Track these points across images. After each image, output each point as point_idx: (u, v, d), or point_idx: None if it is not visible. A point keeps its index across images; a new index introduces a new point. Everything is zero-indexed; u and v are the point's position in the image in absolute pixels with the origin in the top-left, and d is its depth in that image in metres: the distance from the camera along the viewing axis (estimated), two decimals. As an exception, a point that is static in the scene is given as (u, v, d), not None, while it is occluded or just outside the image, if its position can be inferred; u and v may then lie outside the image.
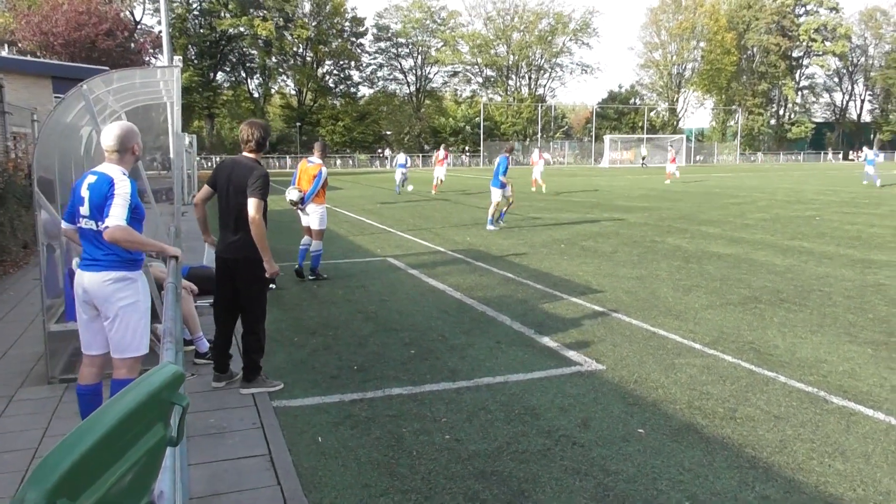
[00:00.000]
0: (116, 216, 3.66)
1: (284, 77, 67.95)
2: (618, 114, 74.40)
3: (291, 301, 7.98)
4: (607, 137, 63.91)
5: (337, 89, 70.13)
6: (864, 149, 27.19)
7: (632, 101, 77.60)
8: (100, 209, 3.76)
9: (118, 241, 3.66)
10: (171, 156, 7.52)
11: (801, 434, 4.23)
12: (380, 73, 72.83)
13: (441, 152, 27.71)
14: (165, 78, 6.81)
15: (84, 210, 3.82)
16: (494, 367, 5.51)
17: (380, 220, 16.27)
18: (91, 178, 3.86)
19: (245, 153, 5.03)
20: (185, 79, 54.84)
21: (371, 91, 73.45)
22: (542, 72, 74.74)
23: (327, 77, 69.75)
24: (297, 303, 7.89)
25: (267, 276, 4.89)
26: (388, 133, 71.96)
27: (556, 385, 5.10)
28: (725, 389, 4.97)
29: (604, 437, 4.21)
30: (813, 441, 4.14)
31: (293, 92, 69.62)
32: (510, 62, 72.56)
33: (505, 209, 14.80)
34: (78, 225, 3.89)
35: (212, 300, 5.43)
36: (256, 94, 67.85)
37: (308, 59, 66.97)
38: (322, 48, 65.99)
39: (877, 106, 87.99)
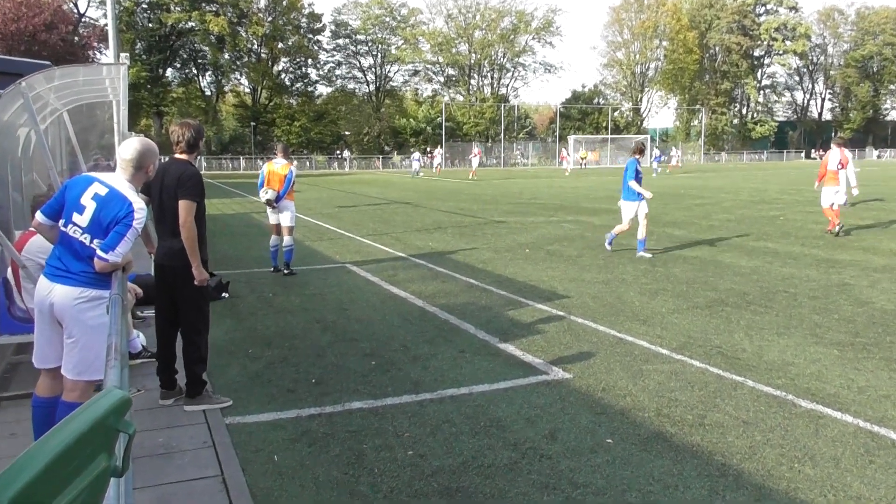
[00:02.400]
0: (120, 252, 3.57)
1: (238, 74, 67.24)
2: (581, 114, 75.19)
3: (246, 310, 7.85)
4: (571, 138, 64.48)
5: (293, 88, 69.62)
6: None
7: (595, 100, 78.50)
8: (103, 229, 3.63)
9: (105, 271, 3.57)
10: (117, 157, 7.34)
11: (770, 439, 4.29)
12: (338, 72, 72.59)
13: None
14: (111, 76, 6.64)
15: (81, 220, 3.66)
16: (459, 377, 5.48)
17: (338, 225, 16.15)
18: (100, 189, 3.69)
19: (177, 155, 4.91)
20: (133, 74, 53.90)
21: (329, 90, 73.18)
22: (504, 71, 75.25)
23: (283, 75, 69.19)
24: (252, 312, 7.76)
25: (195, 283, 4.76)
26: (347, 133, 71.61)
27: (522, 395, 5.09)
28: (693, 396, 5.01)
29: (572, 448, 4.21)
30: (782, 446, 4.19)
31: (247, 90, 68.92)
32: (472, 61, 72.85)
33: (629, 230, 11.70)
34: (62, 228, 3.72)
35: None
36: (209, 92, 67.00)
37: (263, 56, 66.34)
38: (278, 45, 65.48)
39: (837, 104, 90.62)
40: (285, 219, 10.01)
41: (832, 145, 14.26)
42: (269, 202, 9.95)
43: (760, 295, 8.30)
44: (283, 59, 68.41)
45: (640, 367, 5.68)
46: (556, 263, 10.69)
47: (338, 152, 66.50)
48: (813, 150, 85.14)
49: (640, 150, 11.37)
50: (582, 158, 59.46)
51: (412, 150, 62.43)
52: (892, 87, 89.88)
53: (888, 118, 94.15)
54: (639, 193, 11.03)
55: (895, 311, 7.38)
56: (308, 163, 61.77)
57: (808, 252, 11.48)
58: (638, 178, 11.07)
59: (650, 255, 11.16)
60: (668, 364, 5.74)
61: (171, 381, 5.05)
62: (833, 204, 13.70)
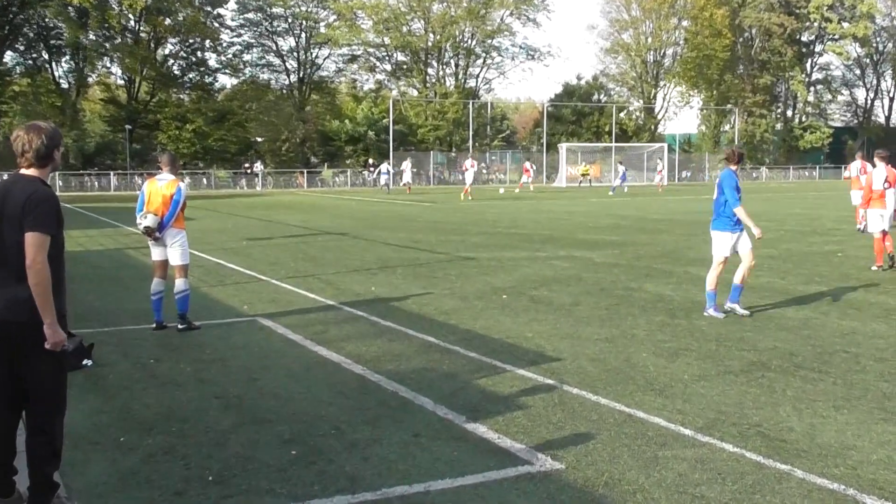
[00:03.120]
0: None
1: (108, 61, 66.93)
2: (576, 114, 76.35)
3: (117, 383, 7.76)
4: (563, 146, 65.38)
5: (185, 79, 69.55)
6: None
7: (595, 97, 79.86)
8: None
9: None
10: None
11: (826, 550, 4.37)
12: (247, 57, 72.79)
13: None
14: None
15: None
16: (411, 471, 5.48)
17: (247, 264, 16.09)
18: None
19: (23, 170, 4.85)
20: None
21: (234, 82, 73.22)
22: (473, 57, 76.23)
23: (171, 61, 69.10)
24: (126, 385, 7.68)
25: (47, 346, 4.63)
26: (260, 140, 71.50)
27: (497, 494, 5.10)
28: (726, 491, 5.09)
29: (563, 564, 4.24)
30: (842, 559, 4.28)
31: (121, 81, 68.61)
32: (429, 43, 73.70)
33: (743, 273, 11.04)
34: None
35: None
36: (66, 85, 66.50)
37: (143, 35, 66.23)
38: (163, 21, 65.39)
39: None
40: (174, 255, 9.98)
41: (875, 160, 15.51)
42: (149, 231, 9.84)
43: (812, 356, 8.47)
44: (171, 41, 68.41)
45: (655, 453, 5.75)
46: (543, 314, 10.77)
47: (247, 165, 66.26)
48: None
49: (739, 157, 11.11)
50: (583, 174, 60.40)
51: (369, 160, 62.80)
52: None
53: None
54: (738, 221, 10.72)
55: None
56: (206, 180, 61.43)
57: (874, 300, 11.77)
58: (737, 198, 10.68)
59: (747, 312, 10.56)
60: (692, 449, 5.82)
61: (9, 486, 4.94)
62: (883, 230, 14.82)
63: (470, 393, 7.24)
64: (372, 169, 64.90)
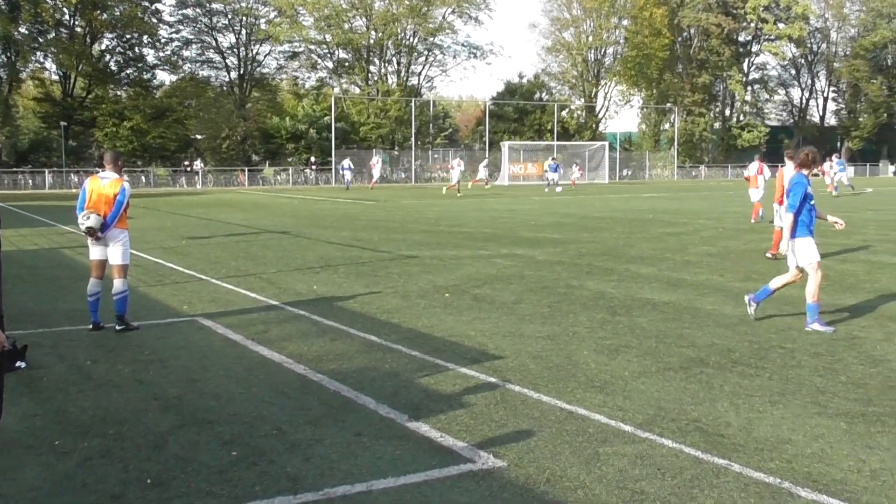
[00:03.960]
0: None
1: (41, 56, 65.52)
2: (518, 112, 76.72)
3: (52, 386, 7.62)
4: (505, 144, 65.69)
5: (122, 75, 68.43)
6: (834, 157, 31.49)
7: (537, 95, 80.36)
8: None
9: None
10: None
11: (762, 542, 4.46)
12: (186, 54, 71.85)
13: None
14: None
15: None
16: (353, 470, 5.47)
17: (187, 264, 15.92)
18: None
19: None
20: None
21: (173, 78, 72.23)
22: (415, 55, 76.21)
23: (108, 57, 67.96)
24: (62, 388, 7.54)
25: None
26: (200, 138, 70.75)
27: (439, 492, 5.12)
28: (665, 486, 5.17)
29: (505, 561, 4.26)
30: (777, 551, 4.37)
31: (55, 77, 67.25)
32: (371, 41, 73.52)
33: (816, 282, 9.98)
34: None
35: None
36: (-4, 80, 64.93)
37: (78, 30, 65.05)
38: (99, 16, 64.25)
39: (843, 106, 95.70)
40: (115, 255, 9.87)
41: (785, 160, 16.19)
42: (90, 231, 9.73)
43: (750, 352, 8.63)
44: (108, 36, 67.22)
45: (596, 449, 5.81)
46: (486, 313, 10.82)
47: (186, 163, 65.53)
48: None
49: (811, 160, 10.27)
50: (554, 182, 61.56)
51: (311, 158, 62.64)
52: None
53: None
54: (812, 224, 10.05)
55: (917, 371, 7.81)
56: (144, 178, 60.62)
57: (809, 295, 12.01)
58: (809, 204, 10.01)
59: (833, 329, 9.68)
60: (633, 445, 5.90)
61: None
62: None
63: (412, 391, 7.25)
64: (314, 167, 64.71)
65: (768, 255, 16.16)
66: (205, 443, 6.04)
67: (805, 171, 10.14)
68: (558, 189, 49.62)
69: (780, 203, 15.65)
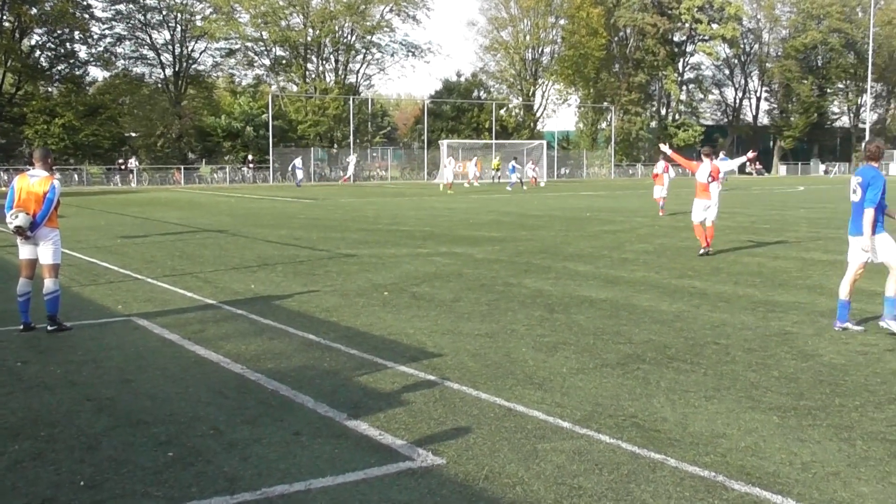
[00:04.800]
0: None
1: (-32, 52, 63.92)
2: (456, 111, 76.90)
3: (-18, 387, 7.46)
4: (444, 143, 65.81)
5: (53, 71, 67.03)
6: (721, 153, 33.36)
7: (475, 94, 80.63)
8: None
9: None
10: None
11: (697, 534, 4.53)
12: (119, 50, 70.59)
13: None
14: None
15: None
16: (291, 469, 5.45)
17: (122, 263, 15.67)
18: None
19: None
20: None
21: (106, 75, 70.96)
22: (353, 53, 75.92)
23: (38, 53, 66.49)
24: (-8, 390, 7.39)
25: None
26: (134, 135, 69.65)
27: (378, 490, 5.11)
28: (602, 481, 5.22)
29: (444, 558, 4.28)
30: (712, 542, 4.44)
31: (-17, 73, 65.68)
32: (309, 38, 73.07)
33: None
34: None
35: None
36: (-81, 76, 63.18)
37: (7, 24, 63.53)
38: (28, 11, 62.81)
39: (775, 105, 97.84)
40: (46, 254, 9.69)
41: (702, 156, 17.11)
42: (19, 230, 9.54)
43: (685, 348, 8.77)
44: (38, 31, 65.77)
45: (535, 445, 5.85)
46: (424, 311, 10.84)
47: (120, 161, 64.44)
48: (748, 164, 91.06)
49: (881, 153, 9.81)
50: (495, 169, 61.73)
51: (248, 156, 62.22)
52: (839, 85, 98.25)
53: (836, 124, 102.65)
54: (881, 222, 9.51)
55: (845, 367, 8.01)
56: (77, 176, 59.53)
57: (742, 292, 12.25)
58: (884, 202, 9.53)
59: None
60: (570, 441, 5.95)
61: None
62: (705, 220, 16.48)
63: (351, 390, 7.24)
64: (251, 165, 64.20)
65: (700, 251, 16.43)
66: (140, 444, 5.95)
67: (875, 164, 9.62)
68: (509, 188, 49.94)
69: (673, 155, 17.64)
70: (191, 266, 15.28)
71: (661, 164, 28.85)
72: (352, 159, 58.29)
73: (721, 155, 32.91)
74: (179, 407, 6.81)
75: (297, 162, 56.67)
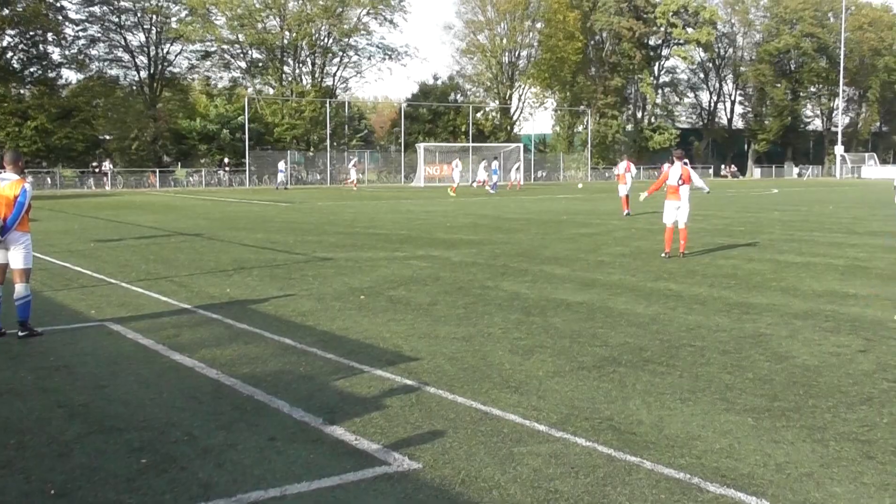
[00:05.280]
0: None
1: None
2: (433, 114, 76.94)
3: (-47, 394, 7.37)
4: (421, 146, 65.81)
5: (26, 73, 66.47)
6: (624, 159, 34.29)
7: (451, 97, 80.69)
8: None
9: None
10: None
11: (672, 537, 4.55)
12: (93, 52, 70.06)
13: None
14: None
15: None
16: (267, 475, 5.42)
17: (96, 267, 15.55)
18: None
19: None
20: None
21: (80, 77, 70.45)
22: (330, 56, 75.77)
23: (10, 54, 65.91)
24: (-37, 396, 7.30)
25: None
26: (108, 138, 69.15)
27: (354, 496, 5.10)
28: (578, 485, 5.23)
29: (420, 563, 4.26)
30: (687, 545, 4.46)
31: (-46, 75, 65.05)
32: (285, 41, 72.87)
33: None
34: None
35: None
36: None
37: (-22, 27, 63.03)
38: (0, 12, 62.33)
39: (749, 109, 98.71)
40: (17, 258, 9.59)
41: (673, 159, 17.19)
42: None
43: (661, 350, 8.81)
44: (10, 32, 65.20)
45: (511, 449, 5.86)
46: (401, 315, 10.82)
47: (94, 164, 63.99)
48: (722, 166, 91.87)
49: None
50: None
51: (224, 159, 62.25)
52: (812, 89, 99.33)
53: (809, 127, 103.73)
54: None
55: (818, 368, 8.07)
56: (50, 179, 58.98)
57: (717, 295, 12.32)
58: None
59: None
60: (547, 444, 5.96)
61: None
62: (678, 223, 16.64)
63: (327, 395, 7.22)
64: (227, 168, 63.97)
65: (663, 255, 16.61)
66: (113, 451, 5.90)
67: None
68: (492, 191, 49.84)
69: (650, 193, 17.64)
70: (165, 270, 15.19)
71: (622, 165, 31.04)
72: (353, 162, 59.97)
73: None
74: (153, 413, 6.76)
75: (281, 165, 57.54)
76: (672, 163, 17.05)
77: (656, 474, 5.39)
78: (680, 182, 16.66)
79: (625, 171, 30.48)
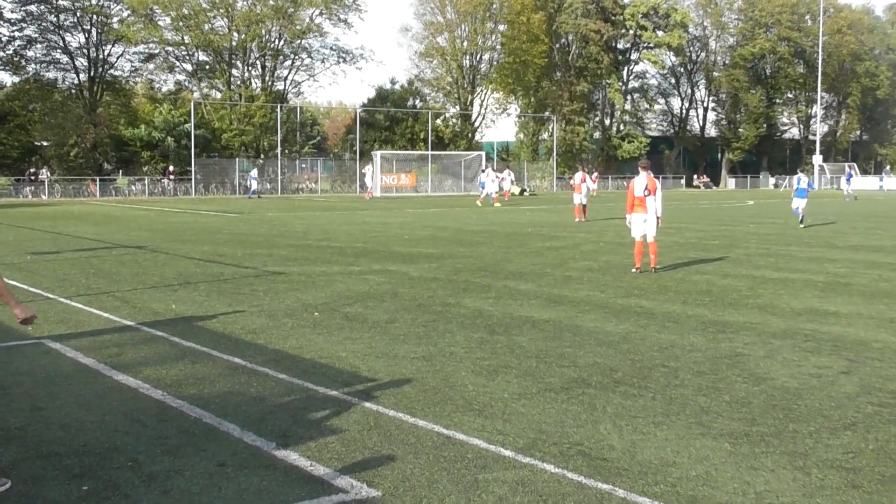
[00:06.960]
0: None
1: None
2: (390, 120, 76.85)
3: None
4: (377, 154, 65.77)
5: (-43, 75, 65.75)
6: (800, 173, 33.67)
7: (410, 102, 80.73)
8: None
9: None
10: None
11: (646, 567, 4.57)
12: (30, 53, 69.39)
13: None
14: None
15: None
16: (216, 503, 5.38)
17: (32, 281, 15.36)
18: None
19: None
20: None
21: (15, 80, 69.66)
22: (280, 58, 75.59)
23: (-61, 56, 65.15)
24: None
25: None
26: (45, 144, 68.39)
27: (310, 525, 5.07)
28: (547, 512, 5.23)
29: None
30: (662, 576, 4.48)
31: None
32: (234, 43, 72.59)
33: None
34: None
35: None
36: None
37: None
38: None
39: (723, 116, 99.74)
40: None
41: (639, 168, 17.33)
42: None
43: (632, 371, 8.84)
44: (-62, 33, 64.48)
45: (475, 476, 5.85)
46: (358, 332, 10.79)
47: (31, 172, 63.25)
48: (695, 177, 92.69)
49: None
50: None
51: (169, 167, 61.79)
52: (788, 95, 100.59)
53: (786, 136, 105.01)
54: None
55: (799, 390, 8.14)
56: (-19, 188, 58.32)
57: (691, 312, 12.42)
58: None
59: None
60: (513, 471, 5.96)
61: None
62: (646, 236, 16.78)
63: (280, 417, 7.17)
64: (172, 177, 63.52)
65: (634, 270, 16.77)
66: (51, 477, 5.83)
67: None
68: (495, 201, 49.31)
69: (630, 212, 17.14)
70: (107, 285, 15.04)
71: (578, 175, 33.99)
72: (368, 170, 61.62)
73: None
74: (95, 437, 6.68)
75: (253, 173, 59.45)
76: (637, 173, 17.20)
77: (629, 503, 5.41)
78: (646, 193, 16.79)
79: (580, 182, 32.94)
